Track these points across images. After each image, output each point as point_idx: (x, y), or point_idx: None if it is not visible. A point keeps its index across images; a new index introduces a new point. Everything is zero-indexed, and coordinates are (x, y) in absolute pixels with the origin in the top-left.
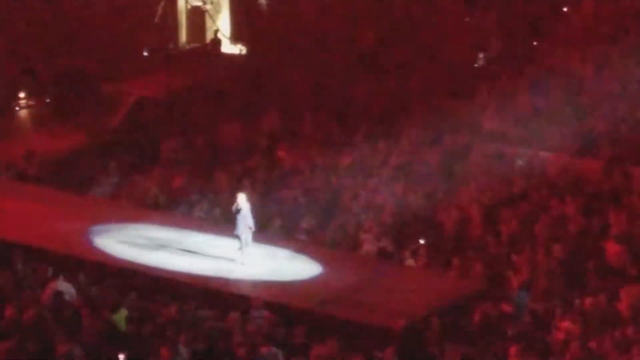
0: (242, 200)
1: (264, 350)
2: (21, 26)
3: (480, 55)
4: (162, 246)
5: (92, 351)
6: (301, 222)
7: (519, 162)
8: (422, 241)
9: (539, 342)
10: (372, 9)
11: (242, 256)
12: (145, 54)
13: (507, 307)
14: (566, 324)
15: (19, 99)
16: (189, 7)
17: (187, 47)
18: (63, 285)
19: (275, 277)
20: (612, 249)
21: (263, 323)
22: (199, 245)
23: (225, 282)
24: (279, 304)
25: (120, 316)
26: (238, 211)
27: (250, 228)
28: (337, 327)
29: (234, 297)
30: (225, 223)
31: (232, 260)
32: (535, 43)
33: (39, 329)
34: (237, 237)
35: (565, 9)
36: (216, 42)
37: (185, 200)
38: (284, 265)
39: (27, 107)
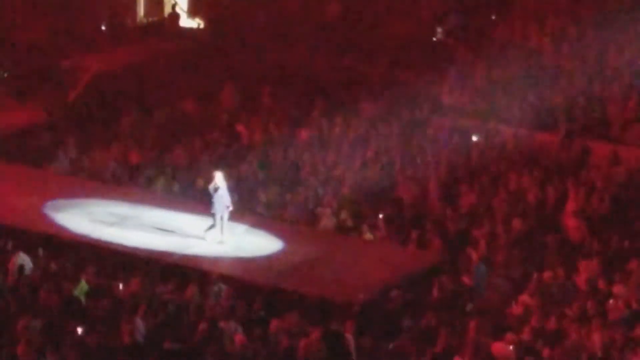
0: (220, 179)
1: (222, 324)
2: None
3: (439, 30)
4: (119, 221)
5: (51, 325)
6: (260, 197)
7: (477, 136)
8: (380, 215)
9: (498, 315)
10: None
11: (217, 235)
12: (103, 28)
13: (467, 280)
14: (525, 298)
15: None
16: None
17: (145, 21)
18: (23, 259)
19: (235, 252)
20: (571, 223)
21: (222, 297)
22: (157, 221)
23: (184, 257)
24: (237, 279)
25: (81, 290)
26: (216, 190)
27: (227, 207)
28: (297, 301)
29: (191, 271)
30: (183, 199)
31: (203, 239)
32: (493, 17)
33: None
34: (213, 215)
35: None
36: (174, 16)
37: (143, 176)
38: (244, 240)
39: None
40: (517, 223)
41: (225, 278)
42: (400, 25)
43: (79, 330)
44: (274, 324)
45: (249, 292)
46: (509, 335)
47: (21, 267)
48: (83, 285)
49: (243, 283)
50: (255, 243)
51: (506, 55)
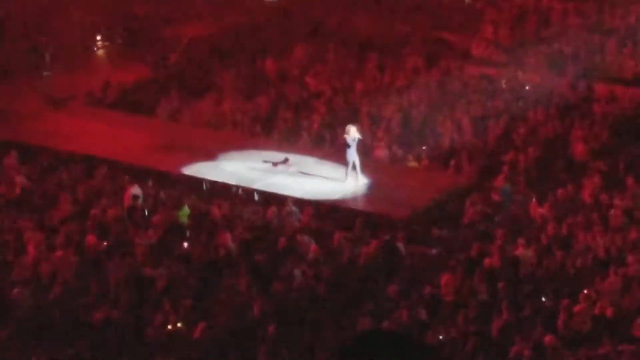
0: (354, 131)
1: (298, 237)
2: None
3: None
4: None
5: (161, 242)
6: (324, 135)
7: (502, 82)
8: (424, 147)
9: (521, 225)
10: None
11: (351, 178)
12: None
13: (496, 197)
14: (542, 210)
15: (96, 40)
16: None
17: None
18: (137, 190)
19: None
20: (577, 148)
21: (298, 217)
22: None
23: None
24: (310, 201)
25: (184, 213)
26: (352, 139)
27: (355, 156)
28: (358, 217)
29: (271, 196)
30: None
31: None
32: None
33: (119, 228)
34: (347, 163)
35: None
36: None
37: (230, 120)
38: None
39: (103, 47)
40: (532, 150)
41: (300, 202)
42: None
43: (185, 244)
44: (338, 235)
45: (321, 212)
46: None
47: (135, 196)
48: (186, 210)
49: (315, 205)
50: (321, 171)
51: (523, 16)
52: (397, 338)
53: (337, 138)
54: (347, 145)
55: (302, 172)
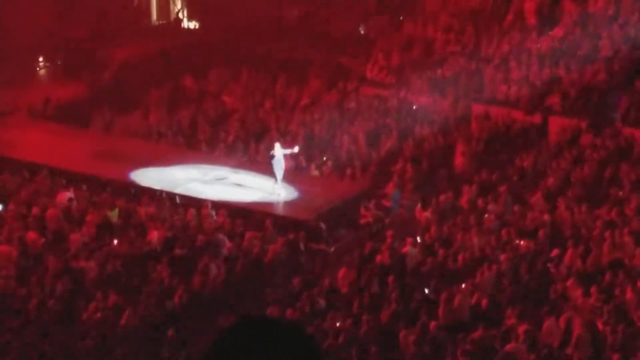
0: (277, 148)
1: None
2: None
3: (362, 27)
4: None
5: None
6: (239, 147)
7: (392, 102)
8: (325, 158)
9: (408, 226)
10: None
11: (276, 189)
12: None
13: (386, 202)
14: (426, 214)
15: (39, 61)
16: None
17: (157, 23)
18: (71, 193)
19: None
20: (457, 160)
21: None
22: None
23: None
24: (225, 204)
25: (114, 213)
26: (273, 157)
27: (281, 169)
28: (267, 218)
29: (191, 199)
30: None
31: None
32: (401, 18)
33: (56, 226)
34: (274, 175)
35: None
36: (177, 19)
37: (156, 131)
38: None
39: (44, 67)
40: (418, 162)
41: (217, 205)
42: (338, 24)
43: (115, 241)
44: (249, 234)
45: (234, 213)
46: (415, 241)
47: (70, 198)
48: (116, 210)
49: (228, 207)
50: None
51: (411, 44)
52: (273, 325)
53: (249, 149)
54: (271, 158)
55: (217, 179)
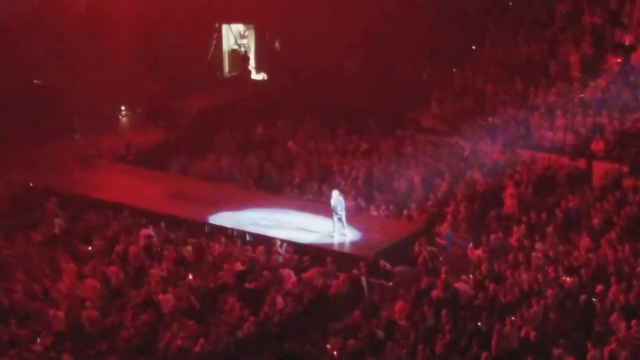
0: (336, 195)
1: (280, 270)
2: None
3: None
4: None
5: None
6: (304, 189)
7: (445, 147)
8: (383, 199)
9: (461, 263)
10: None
11: (336, 232)
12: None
13: (440, 241)
14: (478, 252)
15: (121, 110)
16: (229, 49)
17: (229, 75)
18: (150, 231)
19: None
20: (508, 202)
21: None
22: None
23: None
24: (291, 242)
25: (187, 249)
26: (335, 202)
27: (341, 213)
28: (331, 255)
29: (258, 237)
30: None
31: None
32: (454, 69)
33: (137, 261)
34: (333, 220)
35: (473, 47)
36: (247, 72)
37: (228, 176)
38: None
39: (126, 116)
40: (470, 203)
41: (283, 242)
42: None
43: (190, 275)
44: (313, 270)
45: (300, 250)
46: (468, 277)
47: (149, 236)
48: (189, 246)
49: (295, 244)
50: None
51: (462, 94)
52: None
53: (313, 191)
54: (331, 206)
55: (284, 219)
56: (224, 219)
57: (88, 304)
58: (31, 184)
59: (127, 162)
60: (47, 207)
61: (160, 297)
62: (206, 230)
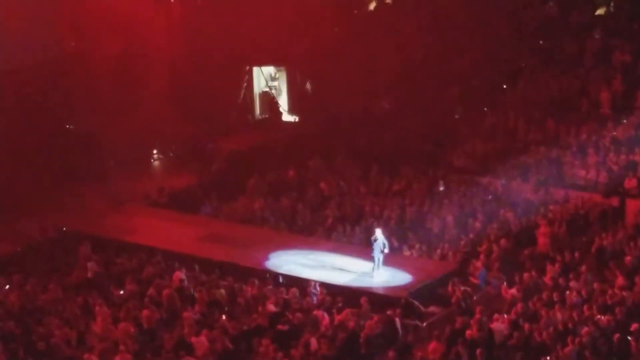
0: (379, 233)
1: (315, 312)
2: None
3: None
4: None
5: (204, 315)
6: (337, 230)
7: (478, 187)
8: (416, 239)
9: (495, 302)
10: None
11: (374, 272)
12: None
13: (473, 280)
14: (512, 291)
15: (153, 154)
16: (260, 91)
17: (260, 117)
18: (182, 274)
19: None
20: (541, 240)
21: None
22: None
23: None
24: (325, 283)
25: (221, 292)
26: (375, 240)
27: (382, 252)
28: (365, 295)
29: (293, 278)
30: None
31: (370, 275)
32: (485, 109)
33: (170, 304)
34: (373, 258)
35: (504, 86)
36: (279, 113)
37: (260, 217)
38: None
39: (158, 159)
40: (504, 242)
41: (318, 283)
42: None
43: (223, 317)
44: (346, 311)
45: (334, 291)
46: (502, 316)
47: (181, 279)
48: (222, 289)
49: (329, 285)
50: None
51: (494, 133)
52: None
53: (345, 232)
54: (373, 245)
55: (317, 260)
56: (256, 261)
57: (122, 347)
58: (64, 228)
59: (159, 205)
60: (80, 251)
61: (194, 339)
62: (239, 272)
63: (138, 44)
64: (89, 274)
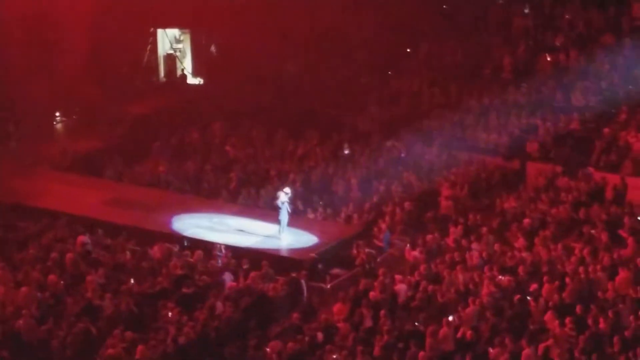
0: (284, 195)
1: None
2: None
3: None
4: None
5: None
6: (242, 193)
7: (382, 151)
8: (320, 202)
9: (398, 264)
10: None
11: (280, 234)
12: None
13: (378, 242)
14: (415, 253)
15: (56, 116)
16: (164, 53)
17: (164, 80)
18: (86, 238)
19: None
20: (444, 203)
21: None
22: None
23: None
24: (230, 246)
25: (126, 255)
26: (282, 203)
27: (287, 215)
28: (269, 259)
29: (196, 242)
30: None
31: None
32: (389, 73)
33: (74, 268)
34: (279, 221)
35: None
36: (183, 76)
37: (164, 180)
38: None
39: (61, 122)
40: (408, 204)
41: (224, 246)
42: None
43: (131, 280)
44: (252, 274)
45: (239, 254)
46: (405, 278)
47: (85, 243)
48: (127, 252)
49: (234, 248)
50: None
51: (398, 98)
52: None
53: (250, 196)
54: (278, 208)
55: (222, 223)
56: (161, 224)
57: (24, 312)
58: None
59: (63, 168)
60: None
61: (98, 303)
62: (144, 236)
63: (45, 7)
64: None
